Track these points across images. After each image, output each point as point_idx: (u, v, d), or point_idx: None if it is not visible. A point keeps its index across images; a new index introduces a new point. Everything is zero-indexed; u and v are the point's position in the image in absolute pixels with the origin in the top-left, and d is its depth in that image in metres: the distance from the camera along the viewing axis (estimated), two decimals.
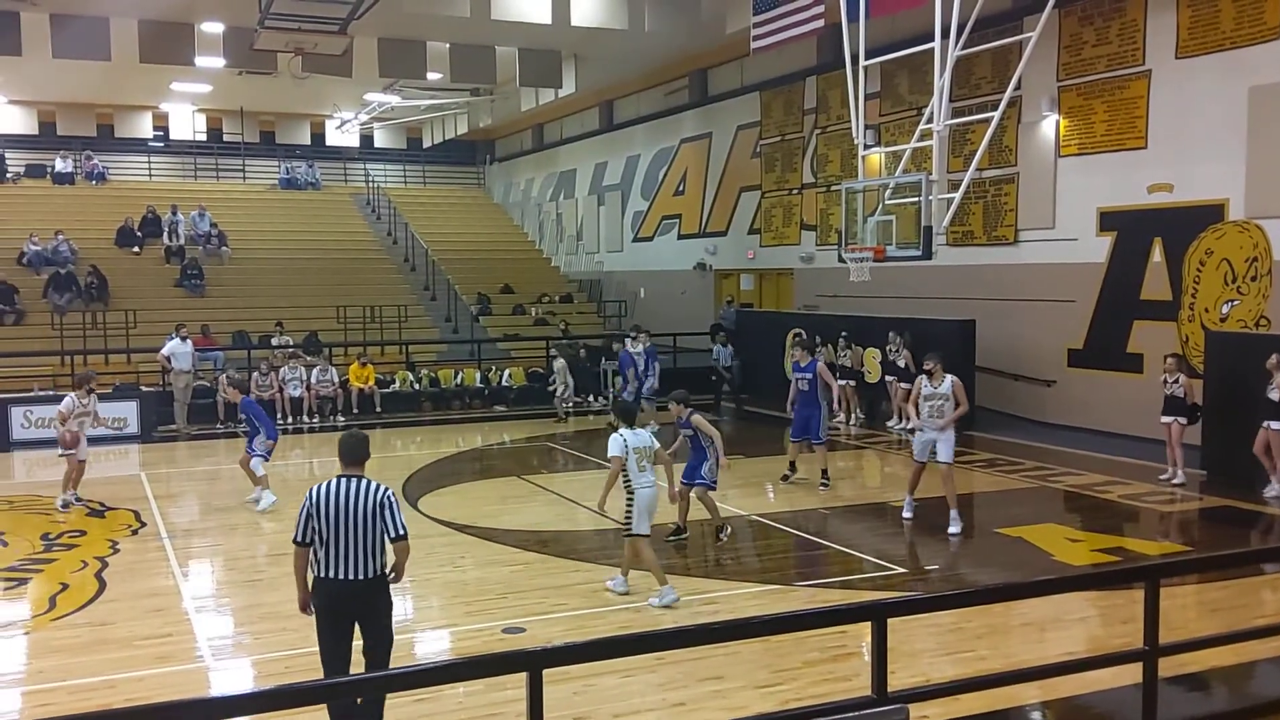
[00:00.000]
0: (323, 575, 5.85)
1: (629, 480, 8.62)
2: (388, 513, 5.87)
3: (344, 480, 5.93)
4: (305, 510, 5.87)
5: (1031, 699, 6.67)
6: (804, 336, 15.55)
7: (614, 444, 8.72)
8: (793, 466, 13.45)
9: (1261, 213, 14.30)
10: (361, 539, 5.80)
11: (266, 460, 12.41)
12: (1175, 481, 13.07)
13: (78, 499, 12.63)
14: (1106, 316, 16.49)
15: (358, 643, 5.94)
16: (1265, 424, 12.22)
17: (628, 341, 18.14)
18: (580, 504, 12.54)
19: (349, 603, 5.85)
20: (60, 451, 12.71)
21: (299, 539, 5.89)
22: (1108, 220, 16.43)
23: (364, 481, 5.93)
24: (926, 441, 11.12)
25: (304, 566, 5.94)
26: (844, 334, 18.57)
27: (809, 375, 13.08)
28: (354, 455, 6.07)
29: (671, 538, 10.40)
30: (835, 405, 13.27)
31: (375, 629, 5.95)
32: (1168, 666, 6.32)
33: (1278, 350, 12.26)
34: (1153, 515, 11.90)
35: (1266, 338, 13.36)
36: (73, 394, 12.79)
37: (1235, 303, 14.70)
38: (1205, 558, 9.58)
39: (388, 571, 5.97)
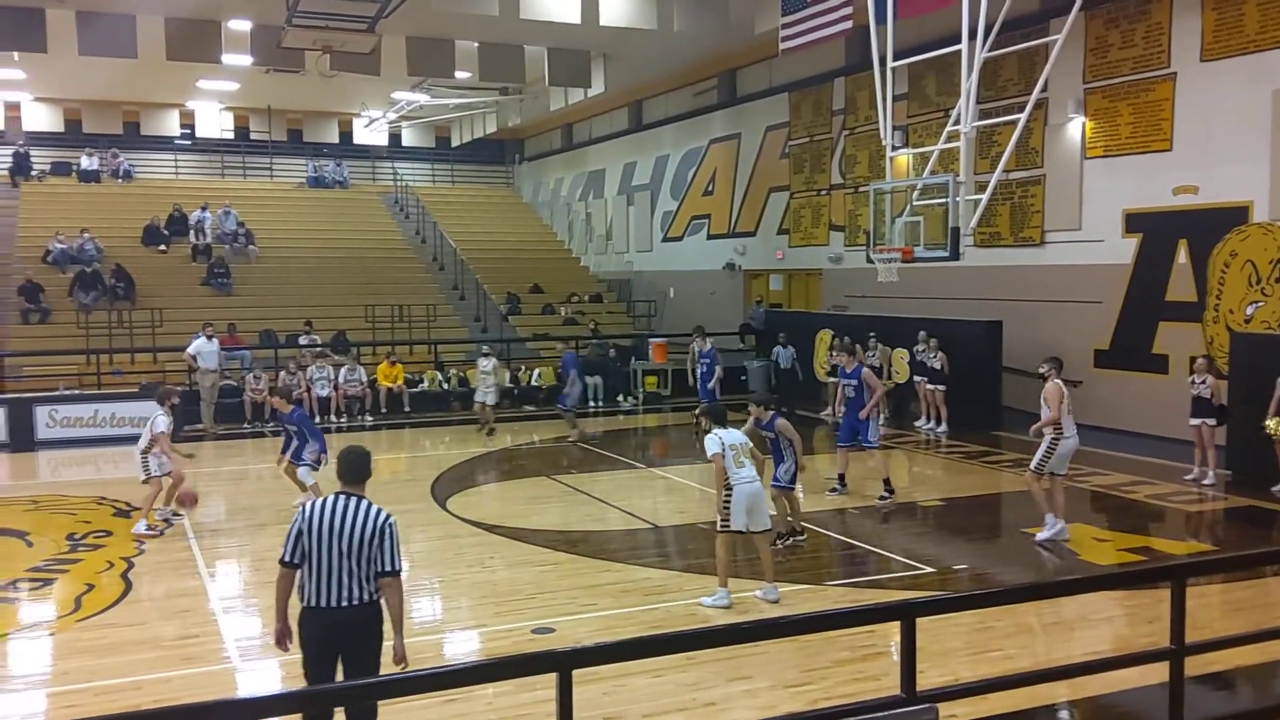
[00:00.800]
0: (311, 604, 5.42)
1: (726, 477, 8.62)
2: (387, 542, 5.42)
3: (342, 498, 5.51)
4: (296, 527, 5.45)
5: (1059, 698, 6.74)
6: (847, 341, 15.00)
7: (711, 443, 8.72)
8: (842, 480, 12.82)
9: None
10: (355, 564, 5.38)
11: (316, 469, 11.81)
12: (1205, 482, 13.09)
13: (174, 514, 11.74)
14: (1132, 317, 16.47)
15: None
16: None
17: (694, 343, 18.25)
18: (610, 504, 12.67)
19: (338, 634, 5.40)
20: (151, 475, 11.49)
21: (286, 558, 5.46)
22: (1133, 222, 16.41)
23: (364, 502, 5.51)
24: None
25: (287, 592, 5.53)
26: (872, 335, 18.61)
27: (854, 381, 12.62)
28: (354, 473, 5.64)
29: (781, 543, 10.26)
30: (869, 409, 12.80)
31: (360, 665, 5.42)
32: (1194, 665, 6.37)
33: None
34: (1179, 515, 11.91)
35: None
36: (161, 413, 11.59)
37: (1260, 304, 14.65)
38: (1231, 557, 9.58)
39: (377, 597, 5.47)
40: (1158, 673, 6.31)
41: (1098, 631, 8.13)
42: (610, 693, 6.77)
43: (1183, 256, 15.70)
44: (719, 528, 8.74)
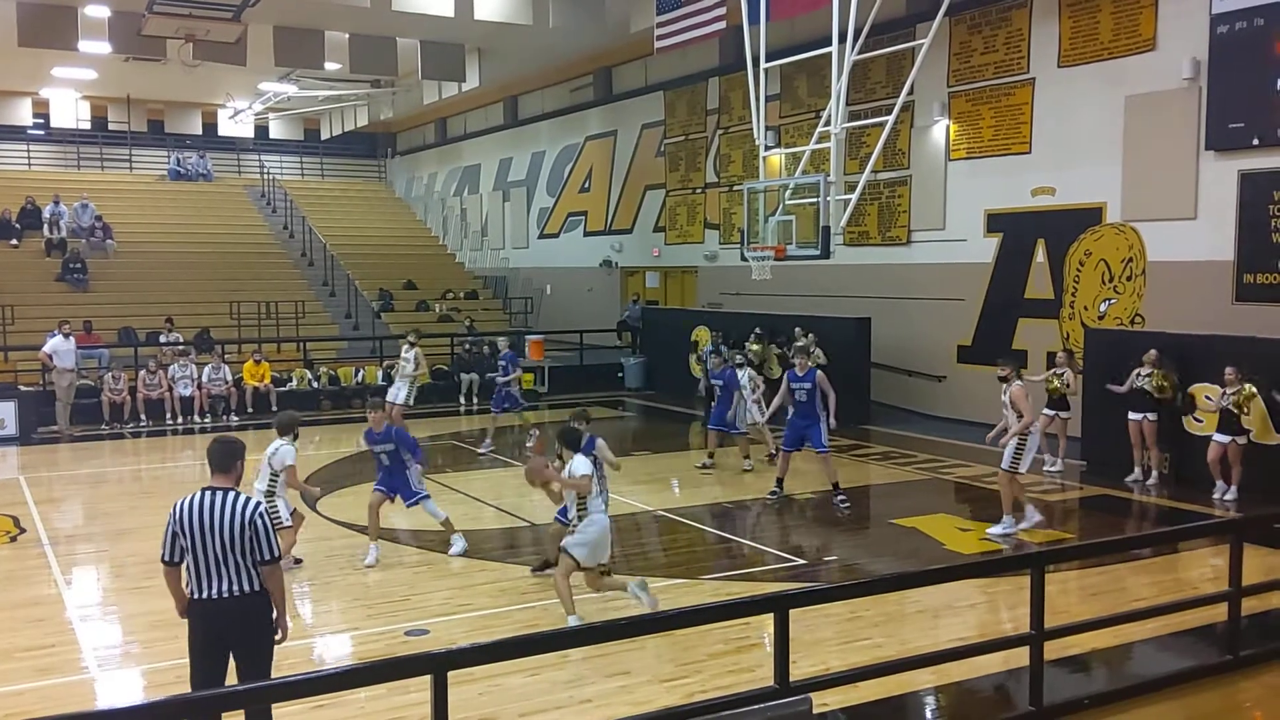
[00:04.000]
0: (194, 596, 5.46)
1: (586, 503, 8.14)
2: (260, 533, 5.41)
3: (208, 493, 5.47)
4: (170, 527, 5.47)
5: (925, 684, 6.91)
6: (802, 344, 13.74)
7: (582, 464, 8.15)
8: (780, 484, 12.57)
9: (1136, 215, 15.00)
10: (228, 557, 5.38)
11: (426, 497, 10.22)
12: (1054, 469, 13.69)
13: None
14: (993, 314, 17.10)
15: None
16: (1143, 415, 12.91)
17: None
18: (486, 502, 12.51)
19: (221, 623, 5.42)
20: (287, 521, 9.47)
21: (165, 558, 5.51)
22: (994, 222, 17.04)
23: (230, 494, 5.46)
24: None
25: (177, 582, 5.58)
26: (756, 330, 18.89)
27: (808, 385, 12.12)
28: (219, 463, 5.58)
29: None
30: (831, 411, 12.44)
31: (250, 654, 5.48)
32: (1053, 649, 6.62)
33: (1154, 345, 12.98)
34: (1037, 505, 12.37)
35: (1141, 334, 14.04)
36: (284, 442, 9.41)
37: (1112, 301, 15.40)
38: (1087, 544, 10.03)
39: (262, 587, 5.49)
40: (1019, 657, 6.54)
41: (962, 619, 8.39)
42: (486, 693, 6.68)
43: (1041, 255, 16.38)
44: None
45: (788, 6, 15.89)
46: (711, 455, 14.48)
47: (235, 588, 5.41)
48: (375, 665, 6.31)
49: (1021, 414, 10.47)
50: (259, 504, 5.51)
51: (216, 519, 5.38)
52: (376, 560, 9.88)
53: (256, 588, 5.46)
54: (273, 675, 5.58)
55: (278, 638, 5.64)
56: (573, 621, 7.96)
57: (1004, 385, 10.80)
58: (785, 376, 12.68)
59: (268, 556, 5.45)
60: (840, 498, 12.17)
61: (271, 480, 9.36)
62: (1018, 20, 16.53)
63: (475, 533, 11.19)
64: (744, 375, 14.51)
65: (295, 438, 9.56)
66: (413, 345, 16.71)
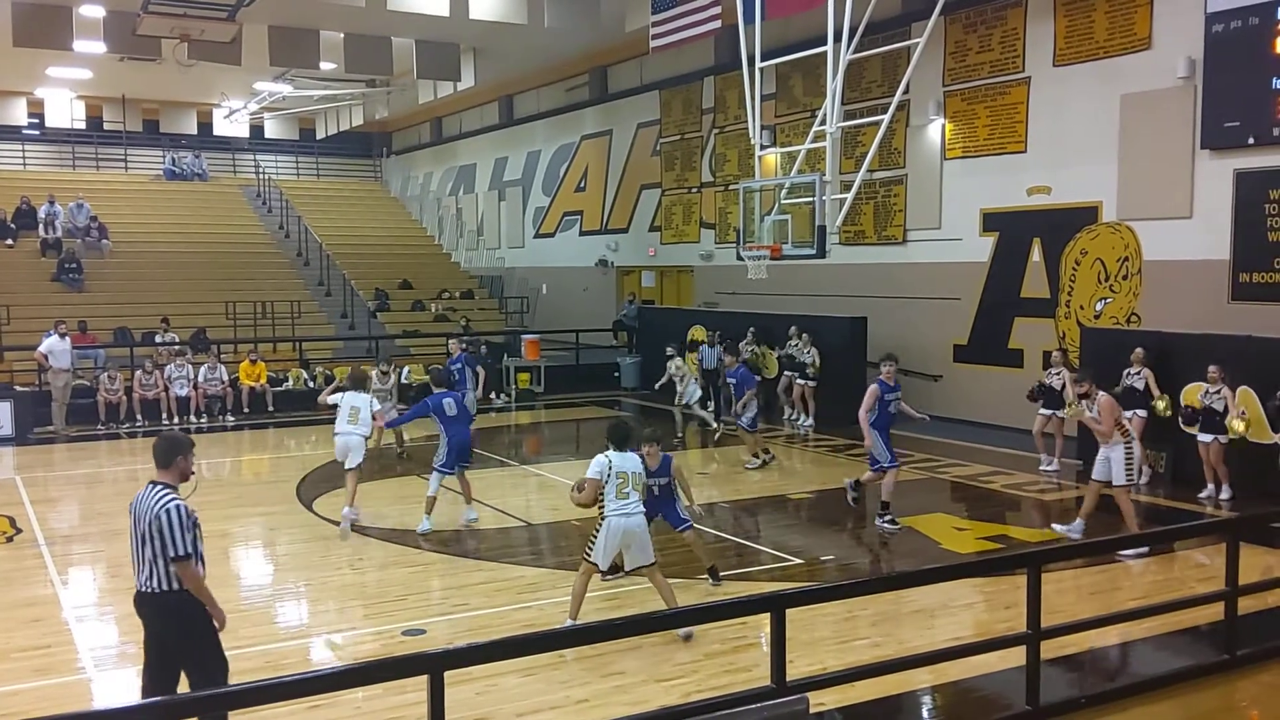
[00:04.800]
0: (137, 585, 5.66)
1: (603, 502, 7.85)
2: (164, 527, 5.43)
3: (146, 487, 5.63)
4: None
5: (922, 683, 6.92)
6: (894, 356, 11.99)
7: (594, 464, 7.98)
8: (858, 485, 11.93)
9: (1132, 215, 15.02)
10: (145, 549, 5.50)
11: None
12: (1052, 469, 13.71)
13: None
14: (989, 313, 17.11)
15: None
16: (1132, 412, 12.91)
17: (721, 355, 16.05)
18: (482, 502, 12.49)
19: (143, 614, 5.60)
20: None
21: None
22: (990, 221, 17.05)
23: (154, 489, 5.56)
24: (1102, 459, 10.41)
25: None
26: (752, 330, 18.89)
27: (898, 394, 11.43)
28: (159, 459, 5.67)
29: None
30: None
31: (183, 653, 5.59)
32: (1049, 649, 6.63)
33: (1141, 345, 13.04)
34: (1033, 504, 12.41)
35: (1137, 333, 14.05)
36: (371, 395, 11.91)
37: (1108, 300, 15.42)
38: (1083, 544, 10.02)
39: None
40: (1016, 656, 6.54)
41: (958, 618, 8.39)
42: (483, 693, 6.69)
43: (1036, 255, 16.39)
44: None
45: (783, 5, 15.89)
46: (768, 451, 14.77)
47: (151, 582, 5.51)
48: (372, 665, 6.34)
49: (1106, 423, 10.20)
50: (171, 499, 5.50)
51: (139, 511, 5.55)
52: (468, 522, 11.34)
53: (175, 586, 5.51)
54: (251, 677, 5.63)
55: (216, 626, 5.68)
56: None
57: (1085, 402, 10.52)
58: (876, 387, 11.21)
59: (173, 553, 5.46)
60: (893, 520, 11.21)
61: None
62: (1013, 19, 16.53)
63: (472, 533, 11.21)
64: (673, 364, 16.50)
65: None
66: (386, 374, 16.76)
